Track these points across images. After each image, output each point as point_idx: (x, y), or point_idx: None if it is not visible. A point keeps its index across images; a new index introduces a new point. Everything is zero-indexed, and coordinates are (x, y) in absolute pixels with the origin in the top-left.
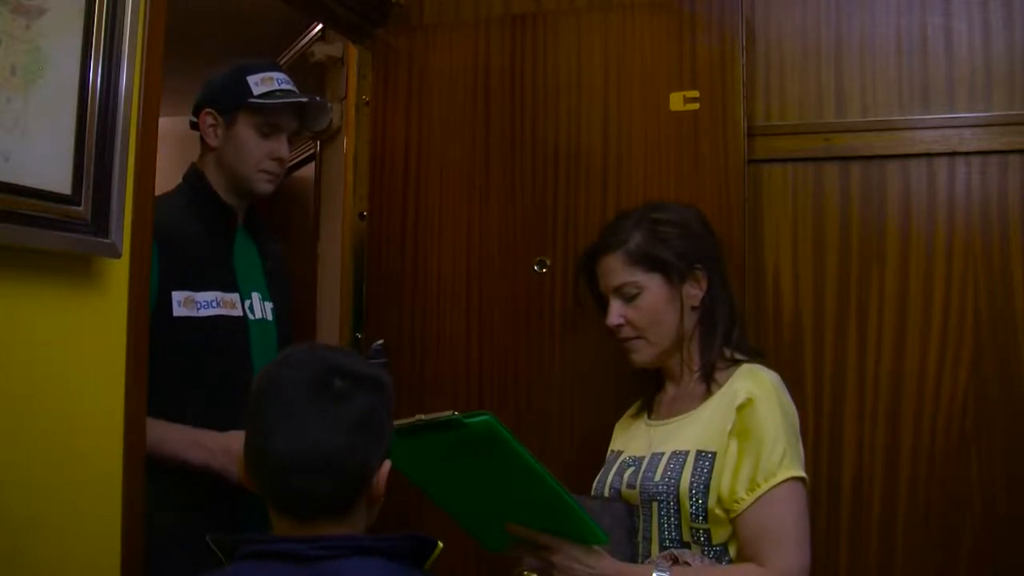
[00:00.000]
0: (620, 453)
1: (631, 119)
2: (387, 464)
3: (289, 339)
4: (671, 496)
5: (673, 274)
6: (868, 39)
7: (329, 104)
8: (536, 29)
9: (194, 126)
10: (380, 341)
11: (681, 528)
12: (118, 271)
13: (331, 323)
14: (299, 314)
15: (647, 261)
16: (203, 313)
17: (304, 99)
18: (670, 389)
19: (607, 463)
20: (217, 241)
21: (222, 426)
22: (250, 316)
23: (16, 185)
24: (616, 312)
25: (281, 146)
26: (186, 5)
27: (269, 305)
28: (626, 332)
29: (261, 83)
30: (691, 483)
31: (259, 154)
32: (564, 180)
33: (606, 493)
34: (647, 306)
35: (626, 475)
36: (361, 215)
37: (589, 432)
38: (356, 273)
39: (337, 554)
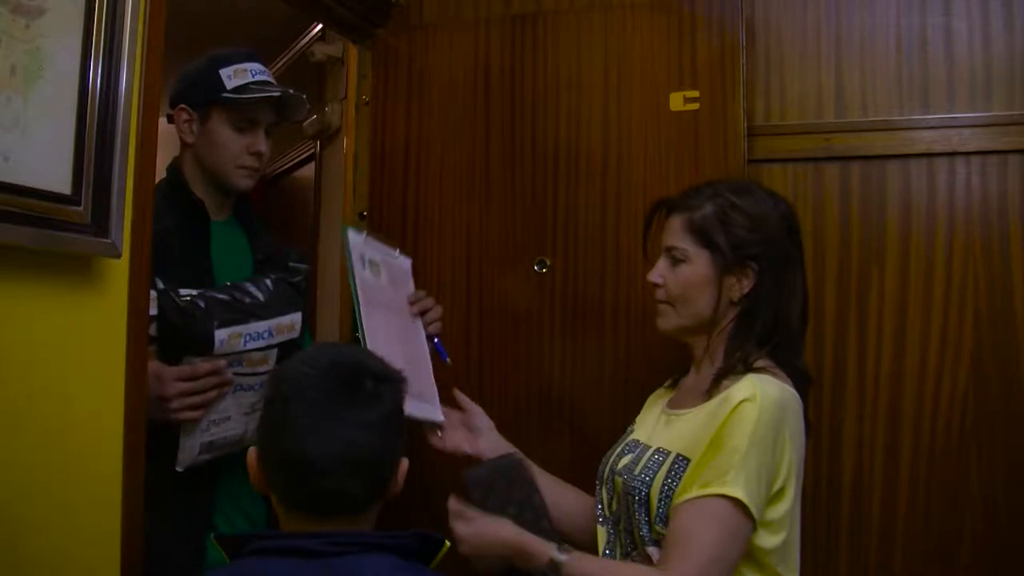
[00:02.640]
0: (633, 431)
1: (631, 119)
2: (405, 463)
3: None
4: (643, 494)
5: (719, 259)
6: (868, 39)
7: (304, 96)
8: (536, 29)
9: (171, 120)
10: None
11: (651, 526)
12: (118, 271)
13: (331, 323)
14: None
15: (701, 236)
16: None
17: (278, 92)
18: (691, 377)
19: (624, 434)
20: (192, 237)
21: None
22: None
23: (16, 185)
24: (658, 271)
25: (258, 140)
26: (186, 5)
27: None
28: (660, 294)
29: (234, 76)
30: (662, 486)
31: (236, 149)
32: (564, 180)
33: (606, 470)
34: (685, 277)
35: (623, 461)
36: (361, 215)
37: (589, 431)
38: None
39: (349, 550)
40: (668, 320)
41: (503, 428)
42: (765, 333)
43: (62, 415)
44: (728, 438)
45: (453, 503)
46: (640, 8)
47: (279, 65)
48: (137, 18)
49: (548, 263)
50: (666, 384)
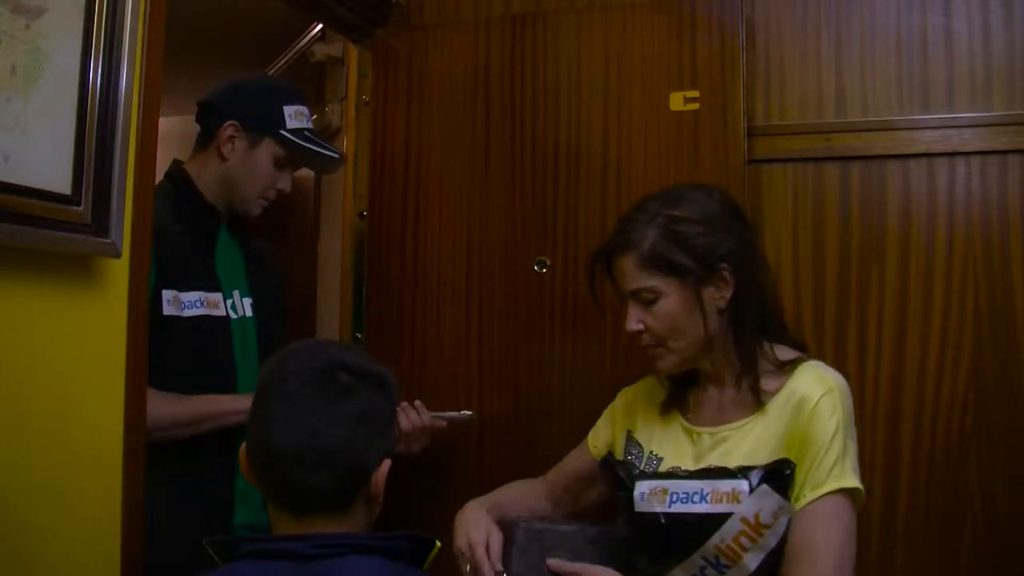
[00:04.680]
0: (660, 460)
1: (631, 119)
2: (387, 463)
3: (274, 332)
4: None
5: (691, 278)
6: (868, 39)
7: (344, 157)
8: (536, 29)
9: (201, 122)
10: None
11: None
12: (118, 271)
13: (331, 323)
14: (299, 314)
15: (662, 265)
16: (187, 313)
17: (336, 155)
18: (712, 391)
19: (641, 458)
20: (199, 241)
21: None
22: (232, 315)
23: (16, 185)
24: (634, 318)
25: (288, 180)
26: (186, 5)
27: (249, 301)
28: (646, 339)
29: (295, 117)
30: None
31: (267, 183)
32: (564, 180)
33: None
34: (665, 312)
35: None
36: (361, 215)
37: (588, 431)
38: (356, 273)
39: (335, 552)
40: (666, 361)
41: (503, 428)
42: (763, 321)
43: (62, 415)
44: (819, 435)
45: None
46: (640, 8)
47: (279, 65)
48: (137, 18)
49: (548, 263)
50: (654, 402)
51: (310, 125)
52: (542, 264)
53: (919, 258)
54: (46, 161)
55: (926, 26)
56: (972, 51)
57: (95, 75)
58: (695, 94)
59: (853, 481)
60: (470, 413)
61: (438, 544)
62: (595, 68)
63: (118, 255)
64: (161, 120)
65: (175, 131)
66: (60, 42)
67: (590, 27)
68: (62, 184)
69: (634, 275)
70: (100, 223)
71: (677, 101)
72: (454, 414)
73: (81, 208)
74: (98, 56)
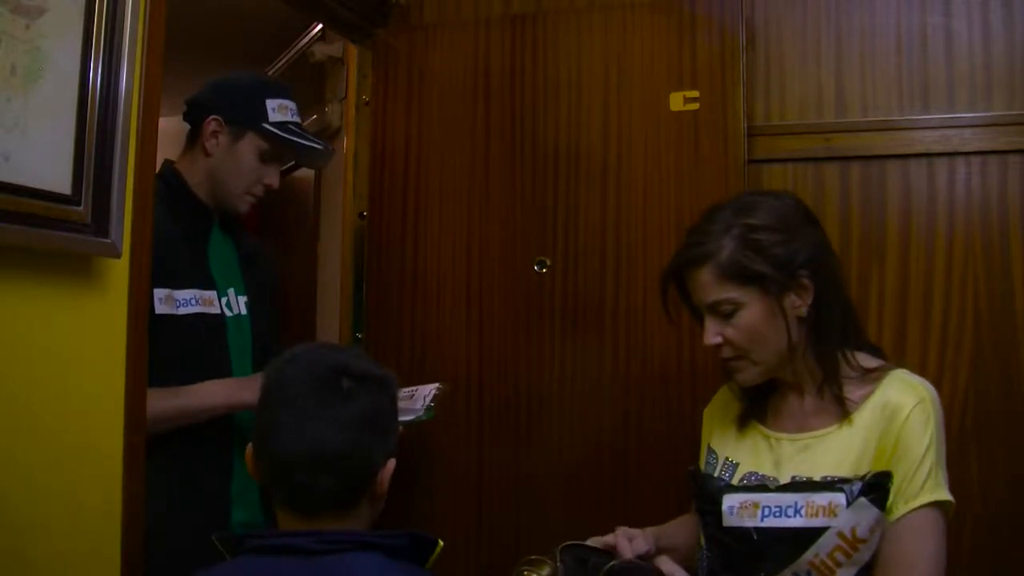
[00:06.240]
0: (736, 465)
1: (631, 119)
2: (391, 462)
3: (268, 328)
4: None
5: (772, 287)
6: (868, 39)
7: (332, 150)
8: (536, 29)
9: (188, 121)
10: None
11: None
12: (118, 271)
13: (331, 323)
14: (299, 314)
15: (742, 275)
16: (182, 311)
17: (319, 146)
18: (792, 399)
19: (716, 466)
20: (193, 240)
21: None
22: (227, 313)
23: (16, 185)
24: (712, 331)
25: (275, 175)
26: (186, 5)
27: (243, 299)
28: (726, 352)
29: (278, 110)
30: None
31: (253, 178)
32: (564, 180)
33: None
34: (746, 324)
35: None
36: (361, 215)
37: (589, 432)
38: (356, 273)
39: (337, 548)
40: (748, 373)
41: (503, 428)
42: (842, 331)
43: (62, 415)
44: (913, 447)
45: None
46: (640, 8)
47: (279, 65)
48: (137, 18)
49: (548, 263)
50: (729, 416)
51: (295, 119)
52: (542, 264)
53: (919, 258)
54: (46, 161)
55: (926, 26)
56: (972, 51)
57: (95, 75)
58: (695, 94)
59: (945, 494)
60: (435, 387)
61: (441, 543)
62: (595, 68)
63: (118, 255)
64: (161, 120)
65: (175, 131)
66: (60, 42)
67: (590, 27)
68: (62, 184)
69: (712, 287)
70: (100, 223)
71: (677, 101)
72: (408, 418)
73: (81, 208)
74: (98, 56)
